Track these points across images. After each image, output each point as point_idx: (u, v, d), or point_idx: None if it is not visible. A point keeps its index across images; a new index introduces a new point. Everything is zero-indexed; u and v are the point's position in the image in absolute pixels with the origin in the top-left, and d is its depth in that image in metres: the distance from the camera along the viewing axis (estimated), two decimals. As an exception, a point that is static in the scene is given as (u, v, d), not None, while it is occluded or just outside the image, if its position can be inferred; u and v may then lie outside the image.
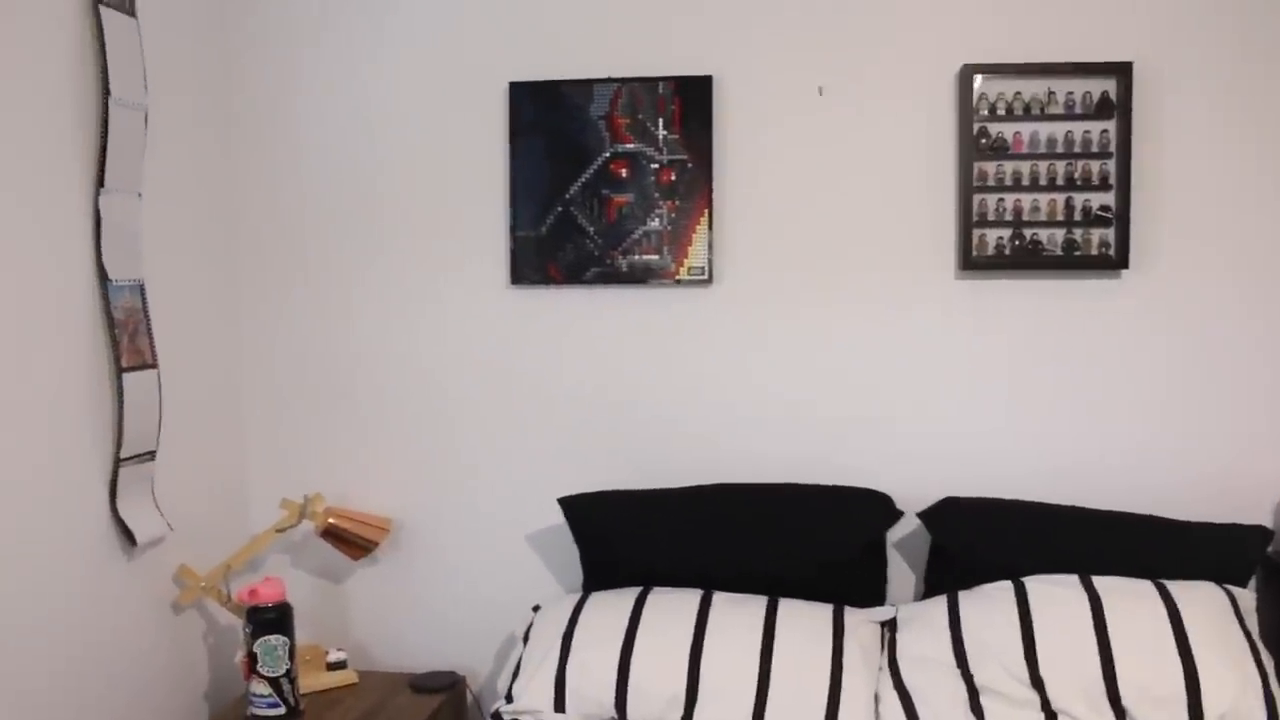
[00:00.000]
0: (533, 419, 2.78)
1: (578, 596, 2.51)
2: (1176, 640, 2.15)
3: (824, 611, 2.40)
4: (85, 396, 2.33)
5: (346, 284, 2.83)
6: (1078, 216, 2.58)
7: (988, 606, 2.32)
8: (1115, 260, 2.55)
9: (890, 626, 2.42)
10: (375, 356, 2.83)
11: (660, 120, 2.69)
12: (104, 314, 2.39)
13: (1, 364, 2.11)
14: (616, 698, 2.28)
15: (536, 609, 2.57)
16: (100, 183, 2.38)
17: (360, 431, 2.85)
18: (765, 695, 2.24)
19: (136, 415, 2.44)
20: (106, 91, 2.37)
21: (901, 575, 2.66)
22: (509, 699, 2.37)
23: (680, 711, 2.25)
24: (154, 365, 2.50)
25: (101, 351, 2.38)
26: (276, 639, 2.47)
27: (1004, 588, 2.34)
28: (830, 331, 2.67)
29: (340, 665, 2.69)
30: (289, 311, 2.86)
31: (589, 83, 2.71)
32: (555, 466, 2.76)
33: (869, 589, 2.56)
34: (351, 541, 2.70)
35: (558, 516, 2.70)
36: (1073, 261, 2.58)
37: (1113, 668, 2.14)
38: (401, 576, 2.85)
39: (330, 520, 2.68)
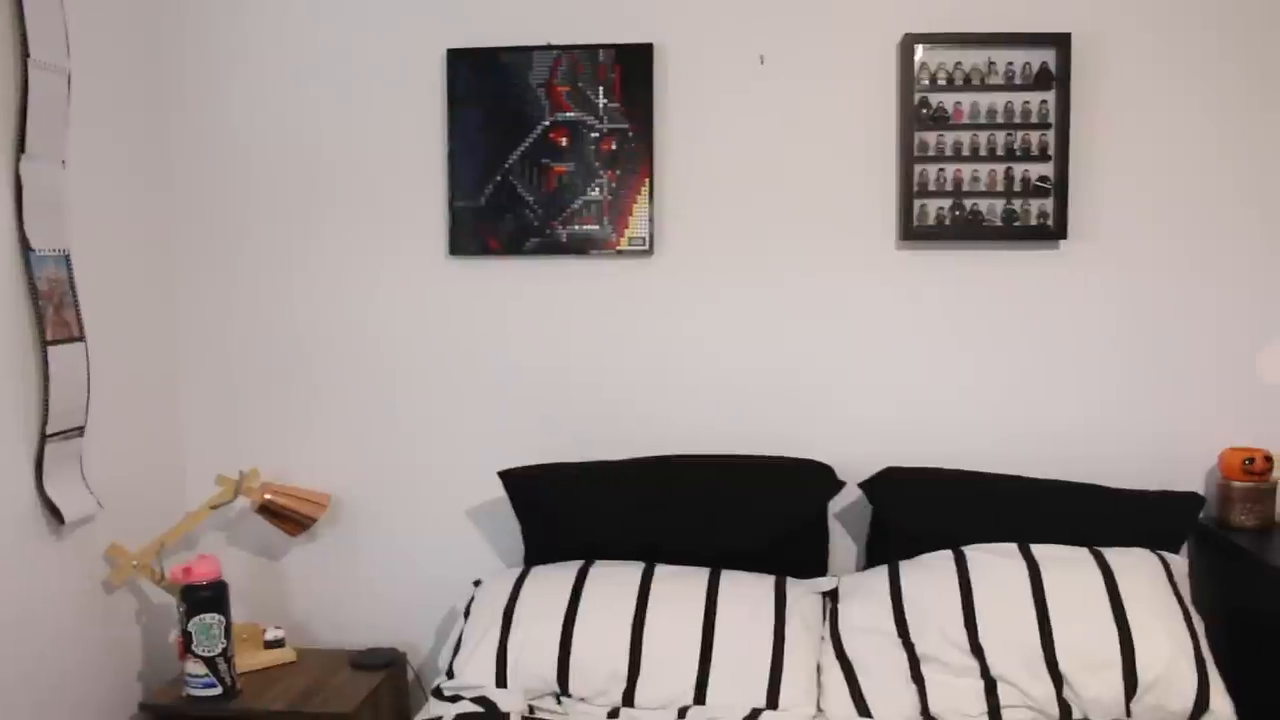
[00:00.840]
0: (473, 392, 2.74)
1: (519, 571, 2.49)
2: (1112, 606, 2.18)
3: (766, 583, 2.40)
4: (6, 370, 2.25)
5: (284, 256, 2.77)
6: (1017, 187, 2.59)
7: (928, 576, 2.33)
8: (1054, 230, 2.57)
9: (832, 597, 2.43)
10: (313, 329, 2.77)
11: (600, 88, 2.66)
12: (27, 285, 2.31)
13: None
14: (558, 672, 2.26)
15: (478, 584, 2.54)
16: (20, 148, 2.29)
17: (299, 406, 2.79)
18: (708, 668, 2.24)
19: (63, 390, 2.37)
20: (25, 53, 2.28)
21: (844, 546, 2.67)
22: (450, 675, 2.34)
23: (623, 685, 2.24)
24: (81, 338, 2.43)
25: (25, 324, 2.30)
26: (211, 617, 2.43)
27: (944, 557, 2.36)
28: (772, 302, 2.66)
29: (278, 644, 2.64)
30: (225, 284, 2.80)
31: (528, 50, 2.66)
32: (496, 440, 2.73)
33: (811, 560, 2.56)
34: (288, 518, 2.65)
35: (499, 490, 2.67)
36: (1012, 232, 2.59)
37: (1050, 635, 2.16)
38: (340, 553, 2.80)
39: (266, 496, 2.63)
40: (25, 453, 2.31)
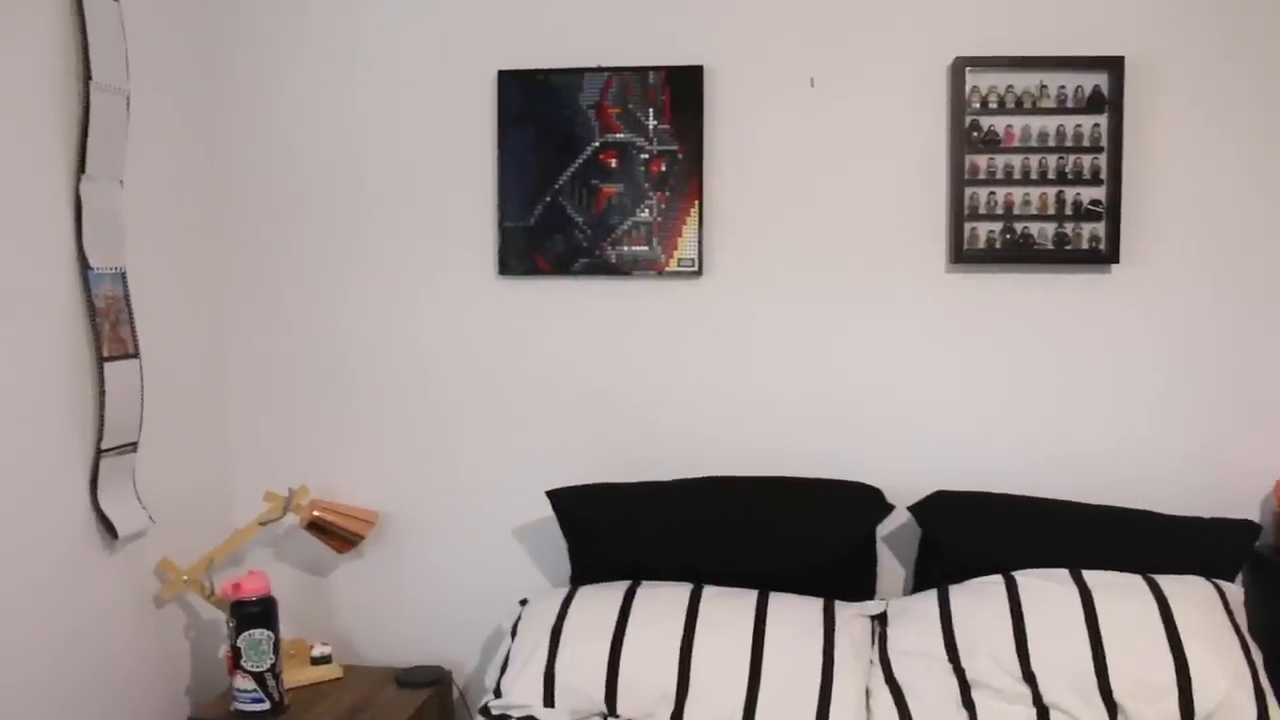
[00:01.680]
0: (520, 411, 2.75)
1: (566, 590, 2.49)
2: (1167, 634, 2.15)
3: (814, 605, 2.39)
4: (66, 387, 2.28)
5: (332, 274, 2.79)
6: (1068, 210, 2.57)
7: (979, 600, 2.31)
8: (1105, 255, 2.55)
9: (880, 620, 2.41)
10: (361, 348, 2.79)
11: (651, 110, 2.67)
12: (85, 303, 2.34)
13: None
14: (606, 692, 2.26)
15: (524, 603, 2.54)
16: (81, 169, 2.33)
17: (346, 424, 2.81)
18: (756, 690, 2.23)
19: (118, 406, 2.40)
20: (88, 75, 2.32)
21: (891, 569, 2.65)
22: (497, 694, 2.34)
23: (671, 707, 2.24)
24: (135, 355, 2.46)
25: (82, 341, 2.34)
26: (261, 633, 2.44)
27: (994, 582, 2.34)
28: (821, 324, 2.66)
29: (325, 660, 2.65)
30: (274, 302, 2.82)
31: (579, 72, 2.68)
32: (543, 459, 2.74)
33: (859, 583, 2.54)
34: (337, 534, 2.66)
35: (545, 509, 2.67)
36: (1063, 256, 2.57)
37: (1104, 662, 2.14)
38: (386, 570, 2.81)
39: (315, 513, 2.65)
40: (81, 468, 2.34)
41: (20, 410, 2.15)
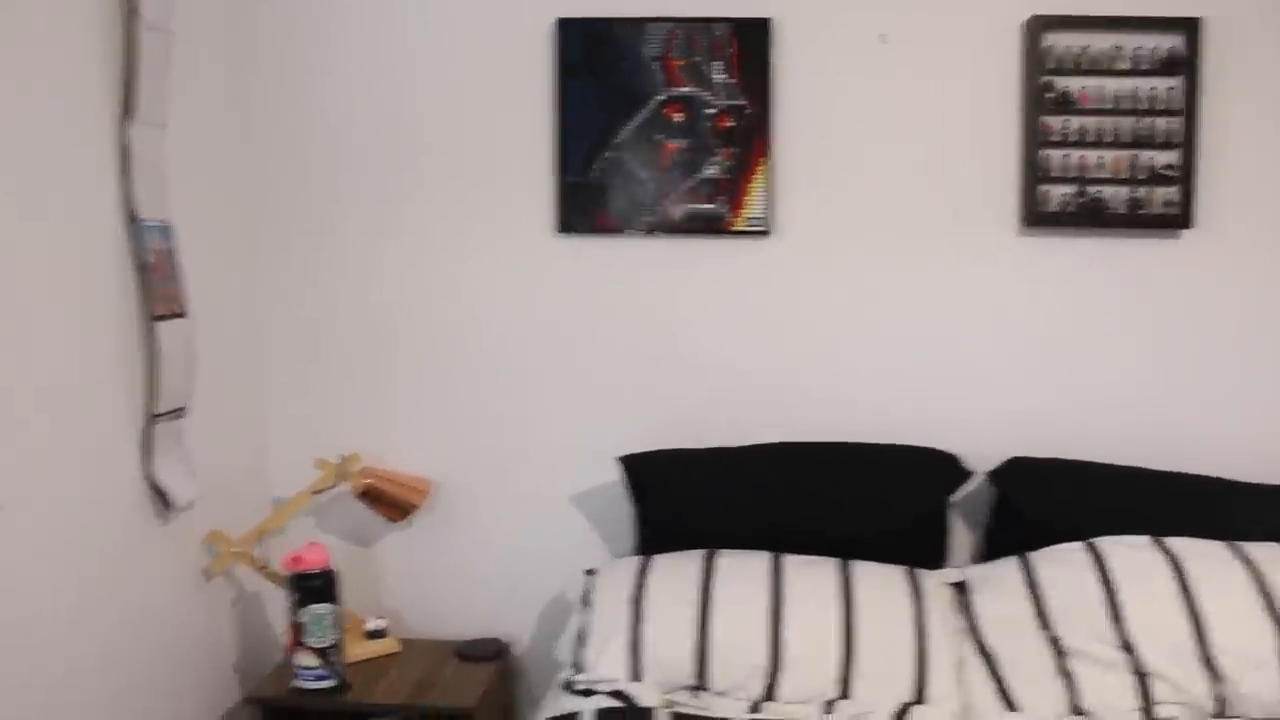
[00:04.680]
0: (578, 375, 2.65)
1: (638, 560, 2.41)
2: (1265, 601, 2.15)
3: (898, 574, 2.35)
4: (116, 349, 2.14)
5: (381, 231, 2.65)
6: (1142, 174, 2.54)
7: (1064, 568, 2.29)
8: (1180, 219, 2.53)
9: (959, 589, 2.38)
10: (410, 309, 2.66)
11: (717, 63, 2.57)
12: (134, 257, 2.19)
13: (25, 311, 1.90)
14: (696, 665, 2.20)
15: (591, 573, 2.46)
16: (128, 112, 2.16)
17: (391, 389, 2.68)
18: (850, 662, 2.18)
19: (170, 368, 2.25)
20: (134, 11, 2.15)
21: (957, 535, 2.62)
22: (578, 667, 2.26)
23: (764, 680, 2.18)
24: (185, 314, 2.31)
25: (131, 299, 2.18)
26: (324, 608, 2.33)
27: (1077, 549, 2.32)
28: (892, 286, 2.60)
29: (380, 634, 2.55)
30: (314, 261, 2.68)
31: (642, 21, 2.57)
32: (601, 423, 2.65)
33: (930, 550, 2.51)
34: (391, 503, 2.55)
35: (603, 477, 2.59)
36: (1137, 220, 2.55)
37: (1202, 629, 2.13)
38: (436, 539, 2.71)
39: (368, 481, 2.53)
40: (133, 434, 2.19)
41: (68, 374, 2.00)
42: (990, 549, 2.54)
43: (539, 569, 2.68)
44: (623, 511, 2.59)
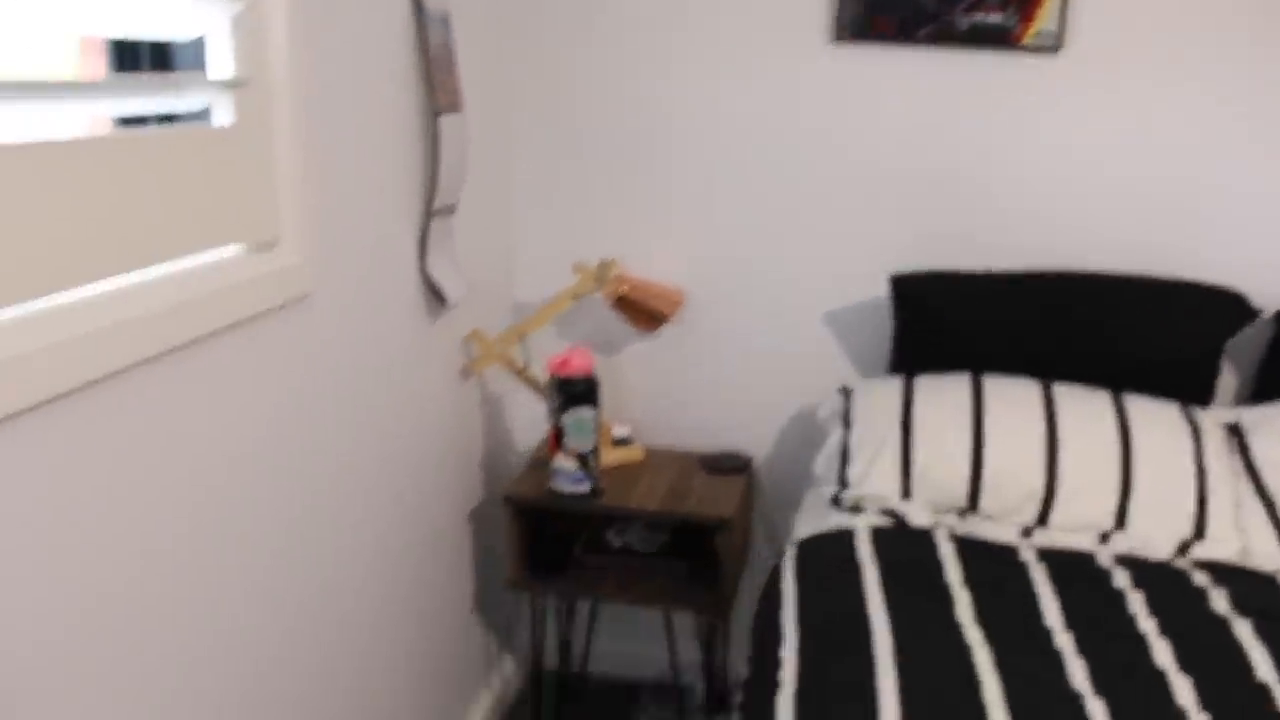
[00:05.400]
0: (844, 189, 2.56)
1: (900, 379, 2.37)
2: None
3: (1174, 410, 2.28)
4: (402, 143, 2.10)
5: (643, 31, 2.55)
6: None
7: (1354, 411, 2.20)
8: None
9: (1232, 430, 2.31)
10: (668, 115, 2.58)
11: None
12: (421, 48, 2.13)
13: (328, 100, 1.86)
14: (970, 488, 2.18)
15: (845, 391, 2.43)
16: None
17: (643, 197, 2.63)
18: (1128, 494, 2.14)
19: (450, 163, 2.22)
20: None
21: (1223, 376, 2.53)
22: (843, 484, 2.26)
23: (1038, 506, 2.16)
24: (461, 108, 2.26)
25: (415, 91, 2.14)
26: (587, 412, 2.34)
27: (1367, 393, 2.22)
28: (1187, 109, 2.43)
29: (626, 441, 2.57)
30: (569, 58, 2.59)
31: None
32: (860, 242, 2.57)
33: (1198, 388, 2.43)
34: (645, 312, 2.52)
35: (859, 295, 2.53)
36: None
37: None
38: (681, 351, 2.69)
39: (625, 288, 2.50)
40: (411, 229, 2.18)
41: (361, 168, 1.97)
42: (1260, 390, 2.45)
43: (782, 385, 2.65)
44: (872, 331, 2.54)
